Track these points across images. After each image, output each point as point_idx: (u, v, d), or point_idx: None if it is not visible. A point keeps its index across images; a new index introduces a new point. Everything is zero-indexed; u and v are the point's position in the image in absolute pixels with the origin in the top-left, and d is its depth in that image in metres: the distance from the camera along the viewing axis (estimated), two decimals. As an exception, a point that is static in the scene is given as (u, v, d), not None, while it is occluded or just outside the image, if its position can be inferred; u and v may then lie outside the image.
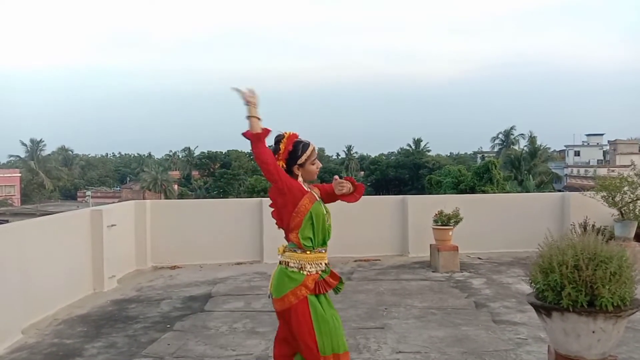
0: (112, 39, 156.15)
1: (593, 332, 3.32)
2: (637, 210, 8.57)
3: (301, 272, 3.18)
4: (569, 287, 3.29)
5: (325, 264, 3.29)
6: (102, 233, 7.07)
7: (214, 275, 7.92)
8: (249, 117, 3.08)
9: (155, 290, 7.13)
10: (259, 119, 3.10)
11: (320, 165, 3.33)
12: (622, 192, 8.52)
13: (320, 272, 3.24)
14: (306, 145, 3.26)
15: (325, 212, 3.27)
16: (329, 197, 3.37)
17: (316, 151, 3.31)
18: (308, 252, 3.21)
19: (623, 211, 8.49)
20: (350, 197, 3.30)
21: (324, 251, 3.28)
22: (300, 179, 3.26)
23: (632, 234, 8.41)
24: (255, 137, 3.07)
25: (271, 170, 3.09)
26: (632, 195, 8.53)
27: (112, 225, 7.30)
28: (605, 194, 8.63)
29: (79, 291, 6.74)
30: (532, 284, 3.58)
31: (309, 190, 3.26)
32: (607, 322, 3.29)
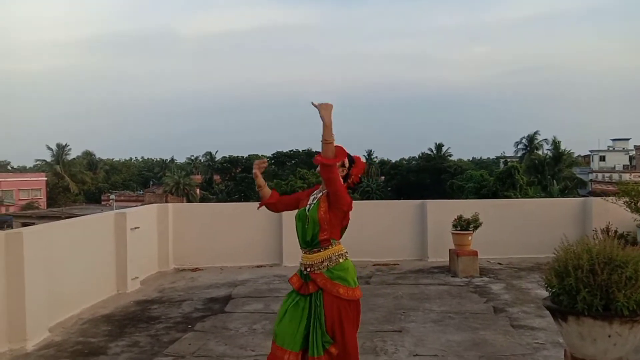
0: (135, 42, 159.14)
1: (609, 336, 3.32)
2: (660, 216, 8.45)
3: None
4: (584, 291, 3.29)
5: (307, 267, 3.42)
6: (125, 235, 7.24)
7: (234, 278, 8.04)
8: (325, 142, 3.29)
9: (177, 292, 7.27)
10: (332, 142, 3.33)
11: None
12: (645, 198, 8.42)
13: (300, 270, 3.50)
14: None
15: (306, 216, 3.46)
16: (329, 188, 3.44)
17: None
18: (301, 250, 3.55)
19: (646, 217, 8.38)
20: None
21: (307, 252, 3.45)
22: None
23: (656, 240, 8.31)
24: (332, 164, 3.32)
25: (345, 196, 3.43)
26: (655, 201, 8.42)
27: (136, 228, 7.47)
28: (627, 200, 8.54)
29: (103, 292, 6.91)
30: (548, 288, 3.59)
31: (312, 196, 3.57)
32: (623, 326, 3.28)
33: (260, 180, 3.68)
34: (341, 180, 3.45)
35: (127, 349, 5.05)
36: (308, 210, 3.48)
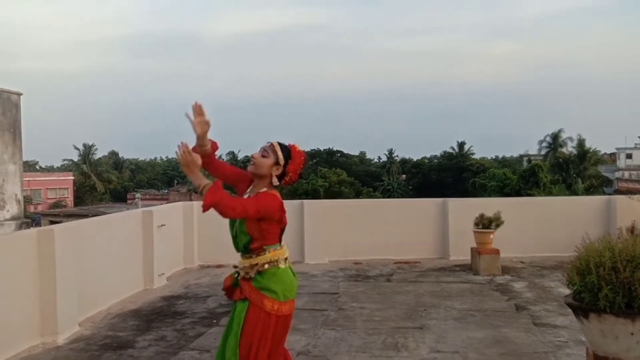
0: (161, 43, 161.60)
1: (632, 334, 3.32)
2: (688, 214, 8.33)
3: None
4: (606, 289, 3.30)
5: (238, 272, 3.11)
6: (152, 233, 7.42)
7: (257, 275, 8.15)
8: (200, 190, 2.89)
9: (202, 288, 7.43)
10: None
11: (252, 159, 3.14)
12: (672, 196, 8.30)
13: (236, 276, 3.14)
14: None
15: (234, 225, 3.11)
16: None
17: (258, 150, 3.15)
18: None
19: (673, 215, 8.26)
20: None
21: (241, 256, 3.12)
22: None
23: (683, 239, 8.17)
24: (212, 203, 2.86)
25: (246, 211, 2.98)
26: (682, 199, 8.30)
27: (162, 226, 7.63)
28: (653, 198, 8.43)
29: (130, 287, 7.09)
30: (569, 286, 3.61)
31: (245, 192, 3.19)
32: (645, 324, 3.29)
33: (204, 140, 3.12)
34: (250, 202, 2.96)
35: (154, 342, 5.19)
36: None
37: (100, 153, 75.37)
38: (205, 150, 3.14)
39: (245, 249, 3.08)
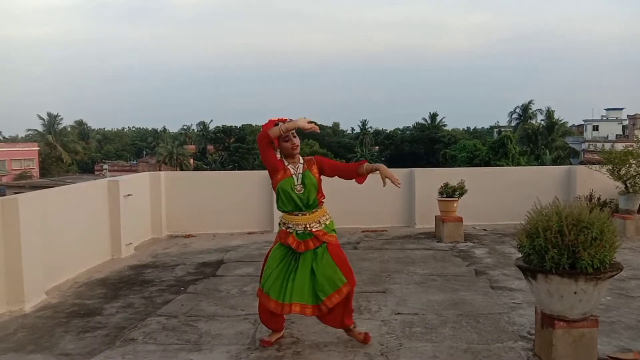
0: (128, 10, 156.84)
1: (575, 292, 3.53)
2: (642, 183, 8.67)
3: (280, 225, 4.17)
4: (552, 251, 3.50)
5: (306, 227, 4.02)
6: (118, 202, 7.39)
7: (226, 244, 8.25)
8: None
9: (170, 257, 7.48)
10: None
11: (295, 142, 4.01)
12: (627, 166, 8.61)
13: (295, 231, 4.03)
14: (276, 125, 3.97)
15: (294, 184, 4.00)
16: (335, 172, 4.20)
17: (291, 131, 4.00)
18: (285, 214, 4.11)
19: (628, 184, 8.59)
20: (360, 178, 4.22)
21: (300, 215, 4.04)
22: (279, 155, 4.06)
23: (636, 207, 8.53)
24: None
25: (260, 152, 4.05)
26: (637, 169, 8.62)
27: (129, 195, 7.61)
28: (610, 167, 8.74)
29: (97, 257, 7.10)
30: (520, 249, 3.79)
31: (286, 166, 4.03)
32: (587, 283, 3.50)
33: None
34: (261, 137, 4.03)
35: (121, 309, 5.25)
36: (303, 179, 4.00)
37: (65, 122, 73.61)
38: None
39: (314, 203, 4.04)
